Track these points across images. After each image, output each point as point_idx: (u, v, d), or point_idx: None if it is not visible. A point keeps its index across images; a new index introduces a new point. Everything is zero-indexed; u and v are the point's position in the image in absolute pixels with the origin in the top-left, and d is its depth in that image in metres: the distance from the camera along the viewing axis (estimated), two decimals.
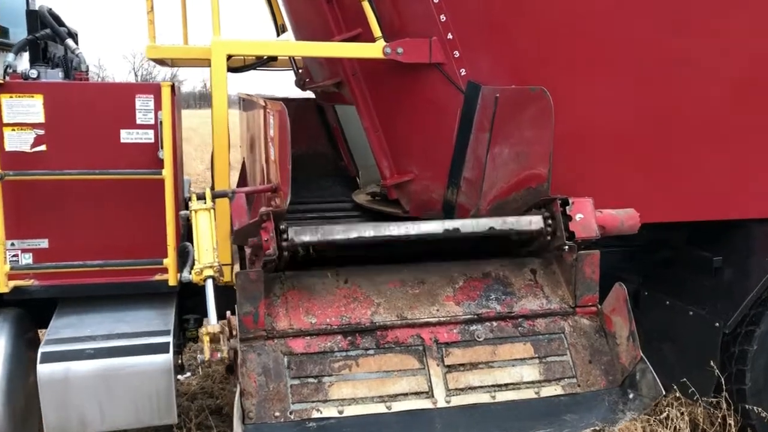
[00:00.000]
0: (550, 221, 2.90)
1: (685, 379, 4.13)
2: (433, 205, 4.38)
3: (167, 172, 3.54)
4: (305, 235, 2.67)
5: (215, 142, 3.80)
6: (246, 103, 4.70)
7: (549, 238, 2.92)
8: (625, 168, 3.89)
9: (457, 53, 3.96)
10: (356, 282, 2.81)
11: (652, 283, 4.59)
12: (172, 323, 3.62)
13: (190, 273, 2.61)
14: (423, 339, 2.69)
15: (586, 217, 2.86)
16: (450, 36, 3.94)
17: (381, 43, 3.94)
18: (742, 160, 4.10)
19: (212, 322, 2.55)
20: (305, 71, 4.92)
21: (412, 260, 3.13)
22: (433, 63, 3.99)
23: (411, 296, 2.81)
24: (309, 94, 5.91)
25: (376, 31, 3.96)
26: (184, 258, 3.24)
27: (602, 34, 3.62)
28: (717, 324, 4.12)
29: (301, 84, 4.98)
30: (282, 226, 2.65)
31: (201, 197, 2.83)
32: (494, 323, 2.80)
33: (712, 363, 4.04)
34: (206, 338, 2.58)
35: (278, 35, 4.96)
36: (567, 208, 2.87)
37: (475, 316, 2.78)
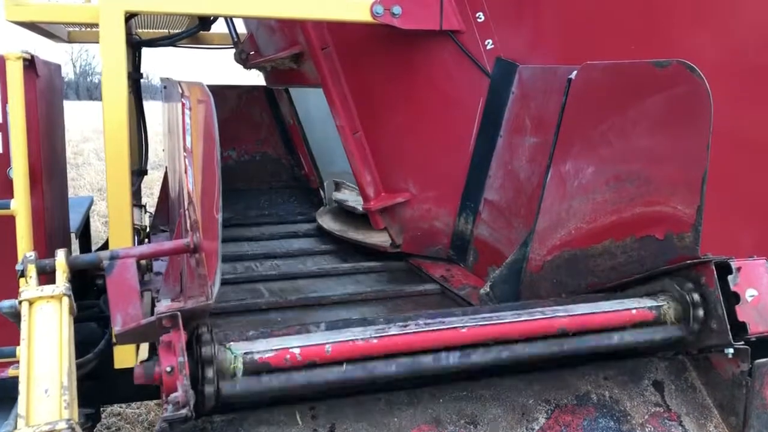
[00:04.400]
0: (698, 300, 1.62)
1: None
2: (436, 239, 3.07)
3: (20, 204, 2.12)
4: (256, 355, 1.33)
5: (108, 157, 2.39)
6: (167, 90, 3.29)
7: (696, 332, 1.63)
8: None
9: (481, 16, 2.64)
10: (352, 430, 1.48)
11: None
12: None
13: None
14: None
15: (762, 294, 1.59)
16: None
17: None
18: None
19: None
20: (250, 41, 3.51)
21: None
22: (444, 30, 2.66)
23: None
24: (255, 77, 4.52)
25: None
26: None
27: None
28: None
29: (243, 59, 3.57)
30: (203, 333, 1.30)
31: (46, 270, 1.43)
32: None
33: None
34: None
35: None
36: (730, 278, 1.59)
37: None
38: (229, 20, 3.45)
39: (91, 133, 20.85)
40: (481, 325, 1.46)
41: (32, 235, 2.15)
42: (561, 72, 2.37)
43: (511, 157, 2.67)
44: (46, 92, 2.44)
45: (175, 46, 3.36)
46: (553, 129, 2.40)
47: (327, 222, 3.80)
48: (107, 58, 2.36)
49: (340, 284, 3.04)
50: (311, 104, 4.29)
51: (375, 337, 1.40)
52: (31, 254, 1.46)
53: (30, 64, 2.22)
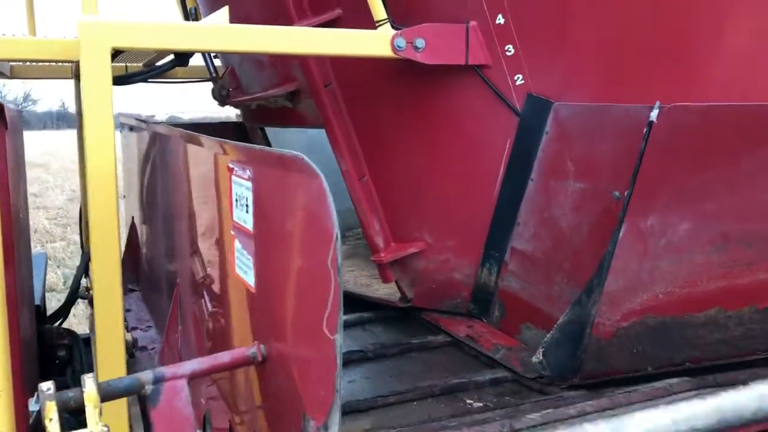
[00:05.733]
0: None
1: None
2: (455, 291, 2.78)
3: None
4: None
5: (93, 225, 2.01)
6: (145, 133, 2.88)
7: None
8: None
9: (510, 49, 2.38)
10: None
11: None
12: None
13: None
14: None
15: None
16: (501, 20, 2.35)
17: (388, 31, 2.28)
18: None
19: None
20: (230, 76, 3.15)
21: None
22: (470, 65, 2.39)
23: None
24: (226, 112, 4.15)
25: (379, 11, 2.30)
26: None
27: None
28: None
29: (222, 95, 3.21)
30: None
31: (69, 406, 1.06)
32: None
33: None
34: None
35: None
36: None
37: None
38: (208, 56, 3.09)
39: None
40: None
41: (7, 326, 1.74)
42: (615, 111, 2.14)
43: (547, 204, 2.41)
44: (14, 145, 2.03)
45: (146, 82, 2.97)
46: (605, 174, 2.16)
47: None
48: (91, 102, 1.98)
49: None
50: (287, 142, 3.94)
51: None
52: (49, 387, 1.08)
53: None
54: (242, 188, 1.23)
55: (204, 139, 1.57)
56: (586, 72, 2.36)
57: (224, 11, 2.13)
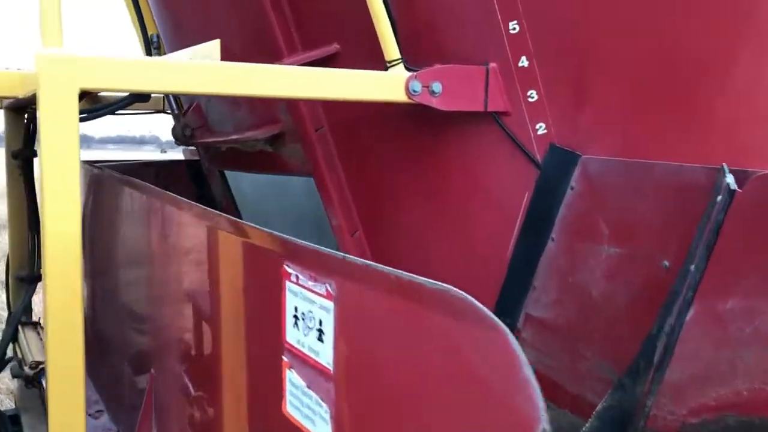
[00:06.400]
0: None
1: None
2: None
3: None
4: None
5: (50, 278, 1.65)
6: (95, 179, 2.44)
7: None
8: None
9: (533, 95, 2.12)
10: None
11: None
12: None
13: None
14: None
15: None
16: (524, 62, 2.09)
17: (402, 73, 1.99)
18: None
19: None
20: (196, 113, 2.77)
21: None
22: (489, 112, 2.12)
23: None
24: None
25: (392, 50, 2.00)
26: None
27: None
28: None
29: (186, 135, 2.81)
30: None
31: None
32: None
33: None
34: None
35: (148, 53, 2.78)
36: None
37: None
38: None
39: None
40: None
41: None
42: (661, 170, 1.90)
43: (572, 267, 2.16)
44: None
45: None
46: (650, 240, 1.93)
47: None
48: (53, 151, 1.61)
49: None
50: (245, 184, 3.57)
51: None
52: None
53: None
54: (312, 305, 0.88)
55: (227, 221, 1.21)
56: (617, 123, 2.13)
57: (215, 45, 1.78)
